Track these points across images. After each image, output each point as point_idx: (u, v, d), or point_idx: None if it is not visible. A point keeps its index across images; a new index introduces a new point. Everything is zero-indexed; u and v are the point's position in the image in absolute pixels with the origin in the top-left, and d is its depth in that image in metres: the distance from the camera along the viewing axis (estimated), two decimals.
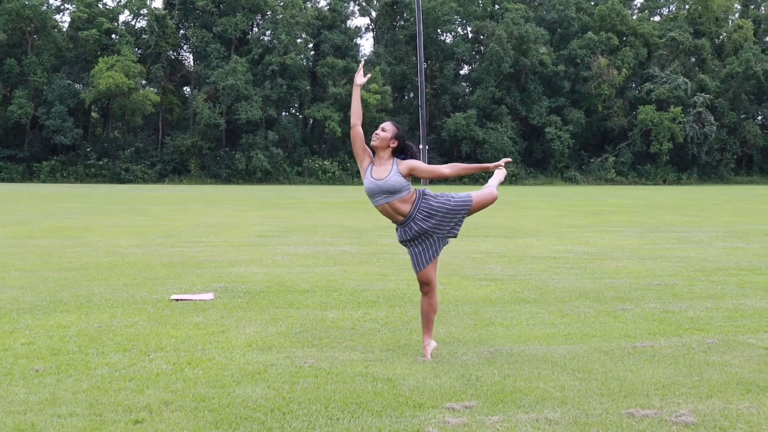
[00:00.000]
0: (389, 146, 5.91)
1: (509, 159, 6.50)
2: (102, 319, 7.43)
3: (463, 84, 75.85)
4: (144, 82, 67.19)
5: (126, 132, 67.61)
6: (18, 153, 62.79)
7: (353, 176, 66.10)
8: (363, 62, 6.51)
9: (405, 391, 5.10)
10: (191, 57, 72.32)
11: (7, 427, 4.34)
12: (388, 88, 67.91)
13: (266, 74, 66.46)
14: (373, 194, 5.90)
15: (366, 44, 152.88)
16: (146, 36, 67.93)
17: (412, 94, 73.54)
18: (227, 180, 63.54)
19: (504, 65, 69.41)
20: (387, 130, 5.92)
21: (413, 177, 5.94)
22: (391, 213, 5.92)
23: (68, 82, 65.44)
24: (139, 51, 68.15)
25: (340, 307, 8.20)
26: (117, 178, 62.13)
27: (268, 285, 9.62)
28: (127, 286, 9.51)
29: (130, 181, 61.58)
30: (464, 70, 78.12)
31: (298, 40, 68.86)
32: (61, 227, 18.41)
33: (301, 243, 14.94)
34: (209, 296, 8.67)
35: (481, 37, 75.35)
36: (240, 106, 63.94)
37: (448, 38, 75.82)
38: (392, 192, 5.84)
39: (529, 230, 18.41)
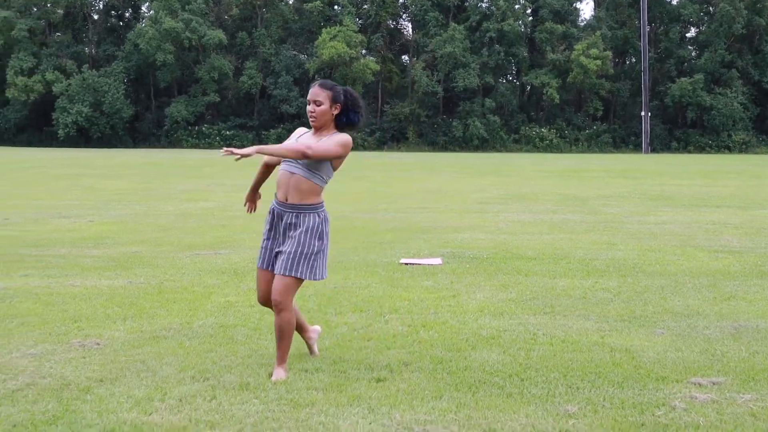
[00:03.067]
0: (332, 115, 4.72)
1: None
2: (337, 281, 7.70)
3: (690, 47, 72.11)
4: (364, 51, 68.65)
5: None
6: (248, 122, 66.18)
7: (571, 144, 64.78)
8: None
9: (645, 363, 4.94)
10: (410, 26, 73.14)
11: (261, 378, 4.60)
12: (608, 53, 65.69)
13: (484, 41, 66.12)
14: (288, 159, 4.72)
15: (586, 8, 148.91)
16: (367, 6, 69.33)
17: (634, 59, 70.76)
18: (444, 147, 64.02)
19: (735, 26, 65.30)
20: (321, 99, 4.66)
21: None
22: (289, 190, 4.67)
23: (294, 53, 68.10)
24: (360, 21, 69.68)
25: (570, 275, 8.07)
26: None
27: (494, 251, 9.62)
28: (356, 249, 9.81)
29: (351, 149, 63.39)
30: (691, 32, 74.21)
31: (516, 6, 67.92)
32: None
33: (523, 210, 14.82)
34: (437, 261, 8.78)
35: None
36: (457, 74, 64.07)
37: None
38: (307, 166, 4.64)
39: (766, 201, 17.32)
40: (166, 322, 5.96)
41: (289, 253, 4.61)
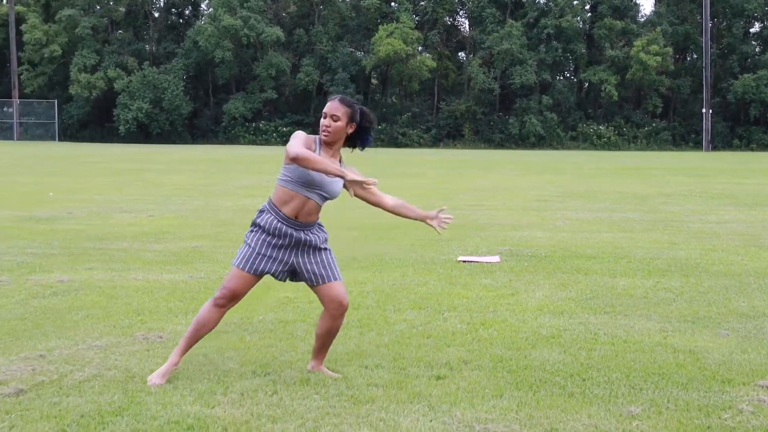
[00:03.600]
0: (346, 134, 4.56)
1: (450, 218, 4.81)
2: (395, 278, 7.71)
3: (753, 43, 70.63)
4: (421, 48, 68.62)
5: (403, 97, 69.55)
6: (305, 118, 66.53)
7: (629, 141, 63.94)
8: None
9: (710, 364, 4.86)
10: (467, 22, 72.86)
11: (322, 374, 4.62)
12: (669, 49, 64.71)
13: (541, 38, 65.58)
14: (309, 185, 4.45)
15: (646, 3, 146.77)
16: (424, 2, 69.27)
17: (695, 55, 69.54)
18: (500, 145, 63.67)
19: None
20: (340, 115, 4.46)
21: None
22: (301, 212, 4.48)
23: (350, 50, 68.29)
24: (417, 18, 69.62)
25: (630, 274, 7.97)
26: (394, 142, 64.16)
27: (553, 249, 9.54)
28: (414, 246, 9.81)
29: (406, 146, 63.41)
30: (755, 27, 72.62)
31: (575, 2, 67.24)
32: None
33: (581, 208, 14.68)
34: (495, 259, 8.74)
35: None
36: (514, 71, 63.66)
37: None
38: (327, 197, 4.53)
39: None
40: (227, 317, 5.99)
41: (331, 262, 4.60)
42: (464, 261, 8.63)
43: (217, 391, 4.30)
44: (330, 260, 4.62)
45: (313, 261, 4.56)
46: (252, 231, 4.56)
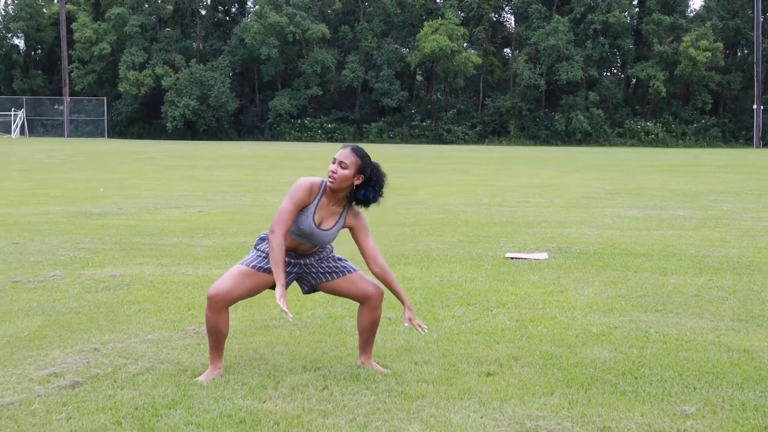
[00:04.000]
0: (352, 185, 4.52)
1: (425, 329, 4.61)
2: (442, 274, 7.70)
3: None
4: (466, 44, 68.37)
5: (448, 94, 69.42)
6: (350, 115, 66.78)
7: (677, 138, 63.13)
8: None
9: (766, 364, 4.78)
10: (513, 18, 72.50)
11: (372, 369, 4.63)
12: (719, 44, 63.69)
13: (588, 33, 65.00)
14: (300, 233, 4.49)
15: None
16: None
17: (746, 51, 68.43)
18: (546, 141, 63.24)
19: None
20: (348, 164, 4.43)
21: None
22: (297, 249, 4.58)
23: (395, 46, 68.31)
24: (462, 14, 69.44)
25: (681, 272, 7.87)
26: (439, 139, 64.08)
27: (602, 247, 9.46)
28: (461, 242, 9.79)
29: (451, 142, 63.28)
30: None
31: None
32: (393, 185, 19.29)
33: (630, 206, 14.53)
34: (543, 256, 8.68)
35: None
36: (561, 67, 63.16)
37: None
38: (320, 244, 4.59)
39: None
40: (276, 312, 6.05)
41: (339, 259, 4.70)
42: (512, 258, 8.59)
43: (269, 385, 4.33)
44: (337, 258, 4.69)
45: (319, 264, 4.65)
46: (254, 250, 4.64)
